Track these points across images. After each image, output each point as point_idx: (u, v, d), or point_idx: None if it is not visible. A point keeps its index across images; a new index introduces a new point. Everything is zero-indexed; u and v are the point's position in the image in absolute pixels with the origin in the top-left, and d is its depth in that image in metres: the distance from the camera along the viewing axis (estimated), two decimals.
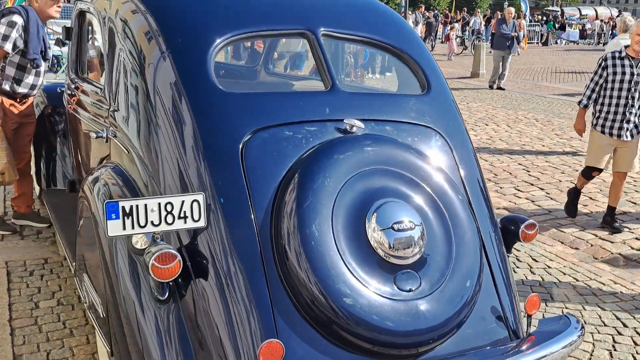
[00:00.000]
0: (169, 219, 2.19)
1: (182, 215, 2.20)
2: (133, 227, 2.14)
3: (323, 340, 2.22)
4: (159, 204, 2.17)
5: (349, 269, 2.23)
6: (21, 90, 4.49)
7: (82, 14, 3.59)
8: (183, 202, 2.19)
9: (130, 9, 2.79)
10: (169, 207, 2.18)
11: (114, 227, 2.12)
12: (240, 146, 2.40)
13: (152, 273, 2.12)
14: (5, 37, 4.26)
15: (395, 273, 2.29)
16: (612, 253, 5.12)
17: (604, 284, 4.48)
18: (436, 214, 2.45)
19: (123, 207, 2.12)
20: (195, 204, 2.21)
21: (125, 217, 2.12)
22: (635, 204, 6.39)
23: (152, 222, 2.16)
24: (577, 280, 4.55)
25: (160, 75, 2.54)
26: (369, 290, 2.23)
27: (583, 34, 36.06)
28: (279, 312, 2.20)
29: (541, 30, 35.70)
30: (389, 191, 2.41)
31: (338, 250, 2.23)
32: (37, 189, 5.14)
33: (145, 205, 2.15)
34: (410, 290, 2.29)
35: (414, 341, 2.27)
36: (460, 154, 2.82)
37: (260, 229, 2.28)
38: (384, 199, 2.36)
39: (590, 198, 6.49)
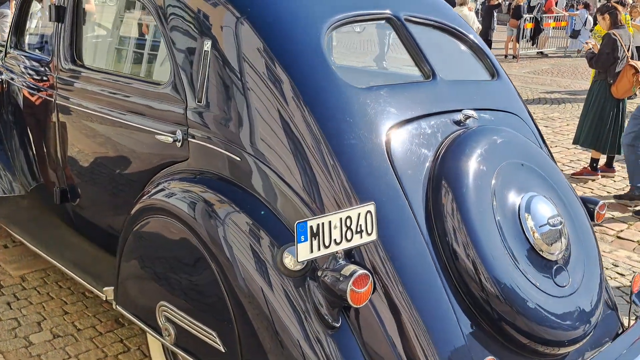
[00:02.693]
0: (349, 234, 1.92)
1: (358, 229, 1.94)
2: (319, 249, 1.85)
3: (498, 341, 2.13)
4: (340, 219, 1.89)
5: (517, 266, 2.14)
6: None
7: None
8: (359, 214, 1.93)
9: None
10: (348, 222, 1.91)
11: (304, 251, 1.81)
12: (385, 144, 2.18)
13: (349, 299, 1.85)
14: None
15: (552, 269, 2.25)
16: None
17: None
18: (561, 205, 2.43)
19: (311, 227, 1.81)
20: (368, 216, 1.96)
21: (313, 238, 1.82)
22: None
23: (334, 240, 1.88)
24: None
25: (272, 70, 2.19)
26: (537, 288, 2.16)
27: None
28: (461, 321, 2.06)
29: None
30: (527, 185, 2.35)
31: (505, 248, 2.14)
32: None
33: (330, 222, 1.86)
34: (565, 286, 2.26)
35: (573, 338, 2.24)
36: (538, 140, 2.83)
37: (424, 232, 2.11)
38: (527, 194, 2.30)
39: None
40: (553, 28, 18.25)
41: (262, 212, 2.15)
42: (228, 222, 2.16)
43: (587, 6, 17.61)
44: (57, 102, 3.06)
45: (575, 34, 17.56)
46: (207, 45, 2.31)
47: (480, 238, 2.11)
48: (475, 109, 2.55)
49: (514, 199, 2.27)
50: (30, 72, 3.34)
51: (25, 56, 3.46)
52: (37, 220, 3.45)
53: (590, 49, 6.47)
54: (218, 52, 2.29)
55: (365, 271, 1.88)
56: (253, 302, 2.06)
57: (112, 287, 2.72)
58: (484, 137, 2.36)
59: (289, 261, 2.00)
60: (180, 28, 2.42)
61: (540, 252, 2.23)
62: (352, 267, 1.89)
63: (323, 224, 1.85)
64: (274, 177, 2.15)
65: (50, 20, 3.02)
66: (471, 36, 2.92)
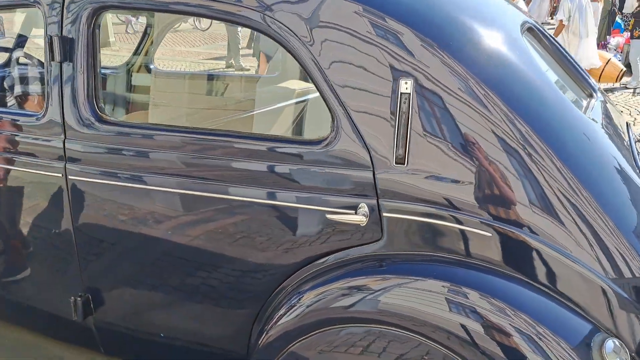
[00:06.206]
0: None
1: None
2: None
3: None
4: None
5: None
6: None
7: (98, 15, 1.94)
8: None
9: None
10: None
11: None
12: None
13: None
14: None
15: None
16: None
17: None
18: None
19: None
20: None
21: None
22: None
23: None
24: None
25: (509, 118, 1.62)
26: None
27: None
28: None
29: None
30: None
31: None
32: None
33: None
34: None
35: None
36: None
37: None
38: None
39: None
40: None
41: (546, 304, 1.61)
42: (509, 328, 1.57)
43: None
44: (68, 178, 2.07)
45: None
46: (407, 85, 1.65)
47: None
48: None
49: None
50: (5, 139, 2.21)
51: None
52: (37, 347, 2.38)
53: None
54: (427, 94, 1.64)
55: None
56: None
57: None
58: None
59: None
60: (350, 64, 1.71)
61: None
62: None
63: None
64: (550, 251, 1.60)
65: (52, 59, 2.01)
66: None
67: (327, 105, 1.73)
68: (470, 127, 1.61)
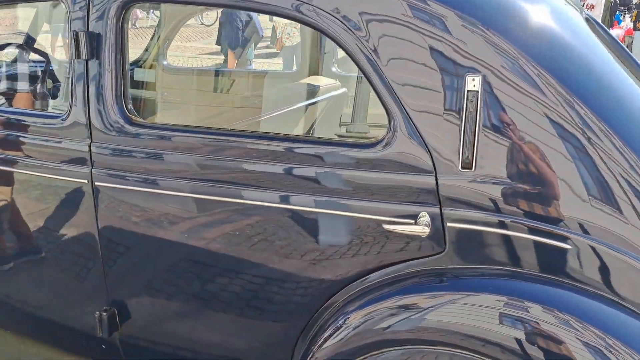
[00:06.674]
0: None
1: None
2: None
3: None
4: None
5: None
6: None
7: (128, 8, 1.80)
8: None
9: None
10: None
11: None
12: None
13: None
14: None
15: None
16: None
17: None
18: None
19: None
20: None
21: None
22: None
23: None
24: None
25: (579, 112, 1.50)
26: None
27: None
28: None
29: None
30: None
31: None
32: None
33: None
34: None
35: None
36: None
37: None
38: None
39: None
40: None
41: (617, 315, 1.49)
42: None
43: None
44: (95, 184, 1.92)
45: None
46: (475, 82, 1.52)
47: None
48: None
49: None
50: (19, 142, 2.06)
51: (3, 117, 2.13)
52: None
53: None
54: (497, 91, 1.51)
55: None
56: None
57: None
58: None
59: None
60: (409, 61, 1.57)
61: None
62: None
63: None
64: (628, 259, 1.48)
65: (77, 57, 1.86)
66: None
67: (383, 104, 1.59)
68: (547, 128, 1.48)
